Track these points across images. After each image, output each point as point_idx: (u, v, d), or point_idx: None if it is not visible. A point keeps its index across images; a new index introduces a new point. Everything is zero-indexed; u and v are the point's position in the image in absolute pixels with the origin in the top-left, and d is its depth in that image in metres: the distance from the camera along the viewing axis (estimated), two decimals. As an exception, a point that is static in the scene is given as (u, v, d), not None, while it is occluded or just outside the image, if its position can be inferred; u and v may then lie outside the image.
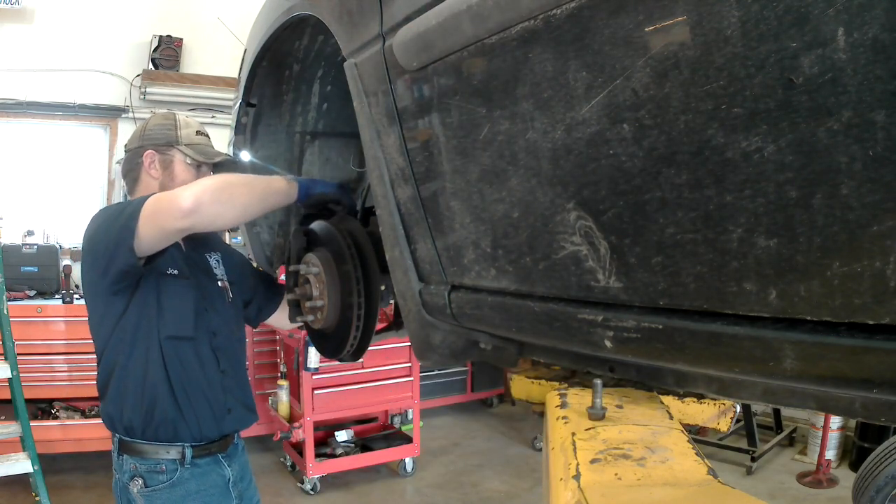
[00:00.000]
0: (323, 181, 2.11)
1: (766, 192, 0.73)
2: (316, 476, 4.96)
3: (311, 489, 4.98)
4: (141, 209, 1.86)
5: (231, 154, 2.35)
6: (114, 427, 2.10)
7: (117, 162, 6.07)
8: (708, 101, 0.75)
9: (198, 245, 2.28)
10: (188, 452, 2.09)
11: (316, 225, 2.01)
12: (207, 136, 2.26)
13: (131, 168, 2.20)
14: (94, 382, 2.17)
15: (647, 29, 0.80)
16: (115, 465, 2.14)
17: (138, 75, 6.54)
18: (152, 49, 6.52)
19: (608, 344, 1.02)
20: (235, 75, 2.45)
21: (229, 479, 2.20)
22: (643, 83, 0.82)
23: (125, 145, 2.27)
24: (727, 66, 0.72)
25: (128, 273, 1.97)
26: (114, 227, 1.92)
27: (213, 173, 2.19)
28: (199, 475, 2.11)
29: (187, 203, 1.78)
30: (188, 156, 2.16)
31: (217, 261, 2.34)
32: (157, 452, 2.07)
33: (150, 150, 2.15)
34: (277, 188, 1.93)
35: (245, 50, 2.33)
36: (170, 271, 2.11)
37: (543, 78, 0.99)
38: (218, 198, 1.82)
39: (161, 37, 6.52)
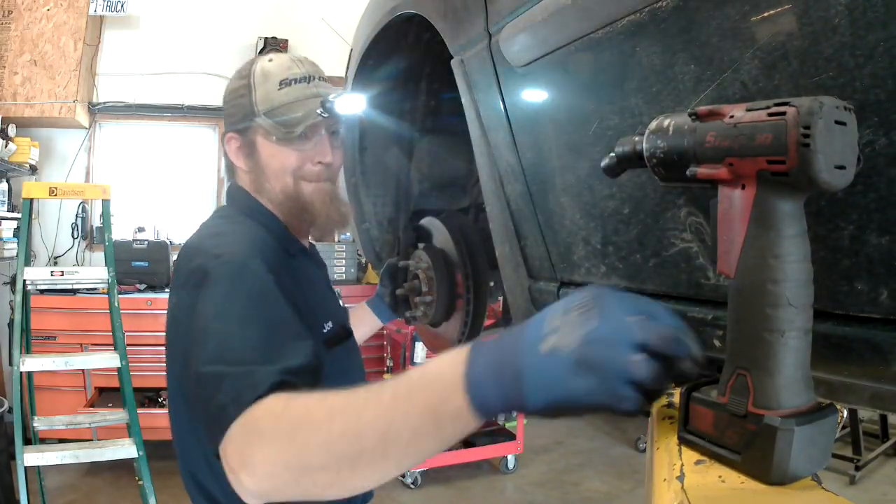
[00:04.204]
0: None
1: (878, 186, 0.70)
2: (417, 470, 5.00)
3: (412, 483, 5.03)
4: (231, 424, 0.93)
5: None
6: None
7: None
8: (816, 93, 0.73)
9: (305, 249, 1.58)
10: None
11: (426, 221, 2.04)
12: (305, 77, 1.45)
13: (225, 154, 1.55)
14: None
15: (754, 18, 0.79)
16: None
17: (245, 76, 6.70)
18: (258, 51, 6.69)
19: (717, 343, 1.00)
20: (341, 74, 2.50)
21: None
22: (752, 75, 0.81)
23: None
24: (836, 57, 0.70)
25: None
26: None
27: (327, 133, 1.46)
28: None
29: (251, 489, 0.89)
30: (270, 132, 1.41)
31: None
32: None
33: (229, 134, 1.50)
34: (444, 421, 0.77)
35: (351, 49, 2.37)
36: (326, 328, 1.40)
37: (651, 72, 0.98)
38: (299, 481, 0.86)
39: (266, 38, 6.68)
